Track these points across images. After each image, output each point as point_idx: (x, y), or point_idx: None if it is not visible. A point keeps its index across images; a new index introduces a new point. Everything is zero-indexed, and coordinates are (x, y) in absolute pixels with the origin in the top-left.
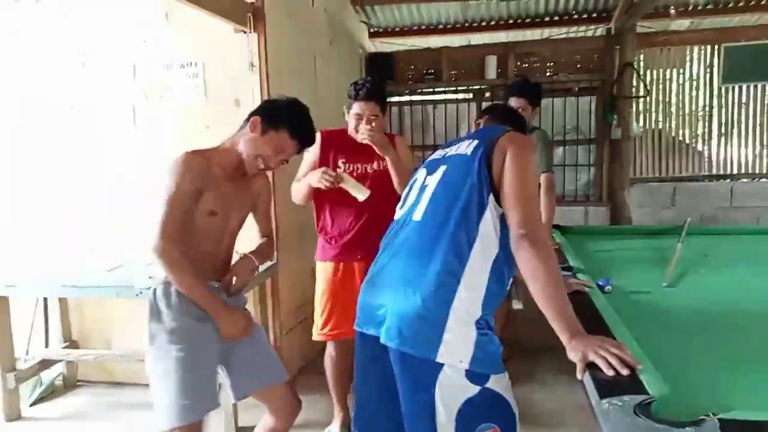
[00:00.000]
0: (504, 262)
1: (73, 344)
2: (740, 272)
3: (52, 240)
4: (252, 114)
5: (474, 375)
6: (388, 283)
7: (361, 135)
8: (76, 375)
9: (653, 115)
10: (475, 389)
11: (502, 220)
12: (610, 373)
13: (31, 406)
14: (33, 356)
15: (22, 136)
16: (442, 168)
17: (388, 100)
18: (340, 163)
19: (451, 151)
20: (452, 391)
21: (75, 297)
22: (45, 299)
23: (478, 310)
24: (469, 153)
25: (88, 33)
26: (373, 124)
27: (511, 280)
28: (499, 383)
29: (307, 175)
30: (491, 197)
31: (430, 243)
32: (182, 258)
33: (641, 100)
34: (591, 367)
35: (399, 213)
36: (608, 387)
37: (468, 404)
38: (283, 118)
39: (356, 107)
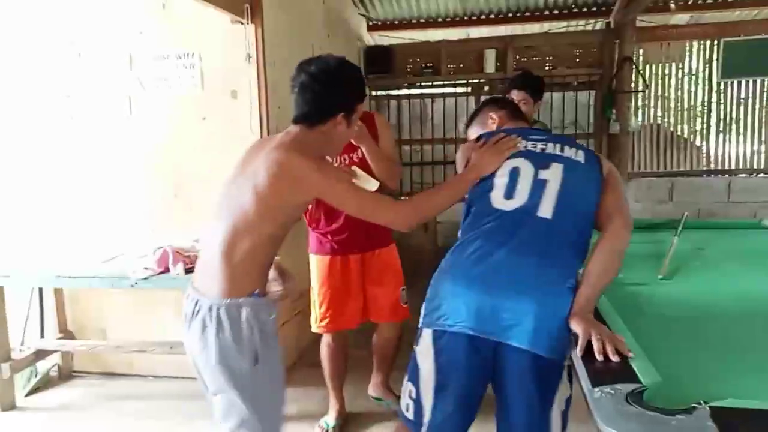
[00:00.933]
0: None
1: (68, 335)
2: (735, 266)
3: (47, 230)
4: (322, 114)
5: (567, 369)
6: (517, 287)
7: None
8: (72, 365)
9: (652, 109)
10: (570, 388)
11: None
12: (599, 357)
13: (26, 396)
14: (28, 346)
15: (16, 125)
16: (559, 167)
17: (380, 93)
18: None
19: (556, 150)
20: (562, 389)
21: (70, 288)
22: (40, 290)
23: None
24: (582, 161)
25: (84, 23)
26: None
27: None
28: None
29: None
30: None
31: (566, 248)
32: (416, 204)
33: (640, 94)
34: (585, 354)
35: (508, 203)
36: (601, 375)
37: (568, 402)
38: (357, 96)
39: None
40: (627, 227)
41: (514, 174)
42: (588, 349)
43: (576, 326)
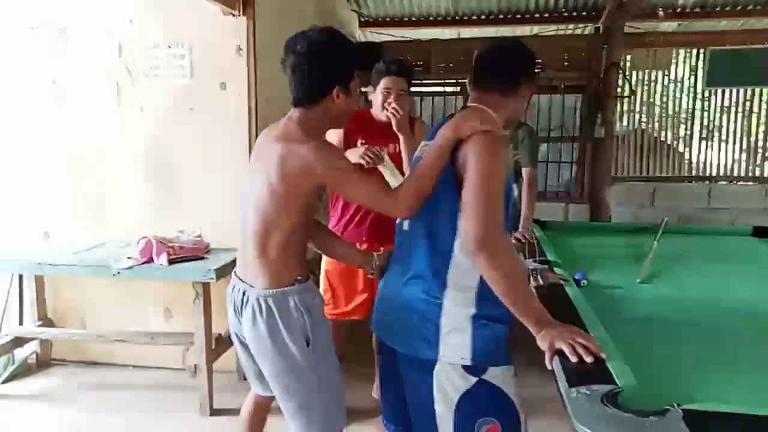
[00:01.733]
0: None
1: (47, 323)
2: (713, 271)
3: (30, 217)
4: (318, 91)
5: (471, 368)
6: (388, 294)
7: (389, 112)
8: (50, 354)
9: (637, 115)
10: (472, 381)
11: None
12: (573, 359)
13: (2, 383)
14: (6, 333)
15: (4, 108)
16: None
17: (370, 90)
18: (358, 143)
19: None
20: (451, 382)
21: (52, 275)
22: (20, 276)
23: (472, 308)
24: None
25: (73, 9)
26: (402, 100)
27: None
28: (497, 376)
29: (346, 152)
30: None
31: (416, 249)
32: (412, 187)
33: (626, 100)
34: (560, 355)
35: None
36: (577, 376)
37: (465, 398)
38: (352, 62)
39: (386, 81)
40: (480, 250)
41: None
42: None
43: (541, 346)
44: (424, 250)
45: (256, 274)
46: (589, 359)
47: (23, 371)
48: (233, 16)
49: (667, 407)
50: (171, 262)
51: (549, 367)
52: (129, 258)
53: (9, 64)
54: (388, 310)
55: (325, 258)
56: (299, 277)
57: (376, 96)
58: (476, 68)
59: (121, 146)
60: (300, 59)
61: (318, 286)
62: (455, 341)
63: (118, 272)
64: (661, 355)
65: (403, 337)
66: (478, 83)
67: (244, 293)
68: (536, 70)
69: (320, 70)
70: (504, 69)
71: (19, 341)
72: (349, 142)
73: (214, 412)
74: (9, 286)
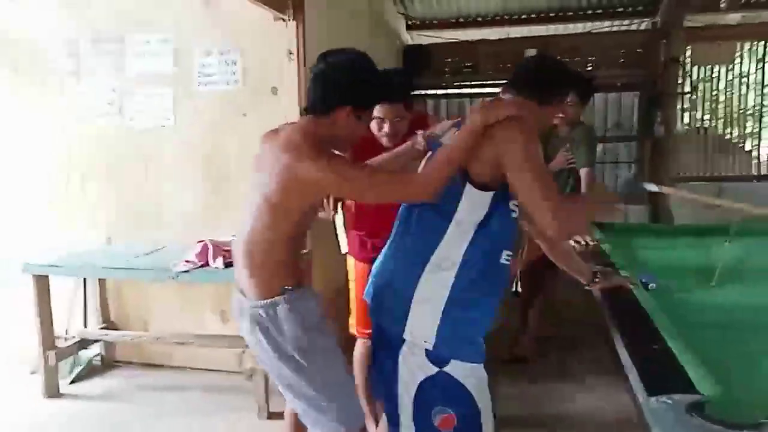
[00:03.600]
0: (489, 243)
1: (111, 325)
2: None
3: (93, 222)
4: (331, 103)
5: (433, 355)
6: (376, 268)
7: (384, 141)
8: (114, 355)
9: (699, 112)
10: (432, 370)
11: (493, 206)
12: None
13: (69, 384)
14: (72, 335)
15: (65, 116)
16: None
17: (424, 92)
18: None
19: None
20: (413, 367)
21: (114, 279)
22: (84, 281)
23: (447, 290)
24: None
25: (129, 19)
26: (397, 126)
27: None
28: (460, 370)
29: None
30: (468, 187)
31: (407, 228)
32: (434, 169)
33: (686, 96)
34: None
35: None
36: (657, 384)
37: (426, 383)
38: (372, 91)
39: (378, 110)
40: (560, 235)
41: None
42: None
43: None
44: (420, 226)
45: (248, 284)
46: None
47: (89, 372)
48: (283, 21)
49: (763, 420)
50: (227, 265)
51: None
52: (187, 262)
53: (71, 74)
54: (372, 284)
55: (352, 276)
56: (288, 287)
57: (372, 122)
58: (515, 72)
59: (177, 152)
60: (324, 67)
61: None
62: (422, 320)
63: (177, 275)
64: (743, 362)
65: (376, 309)
66: (513, 85)
67: (240, 304)
68: (569, 92)
69: (338, 84)
70: (538, 77)
71: (83, 343)
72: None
73: (271, 415)
74: (75, 290)
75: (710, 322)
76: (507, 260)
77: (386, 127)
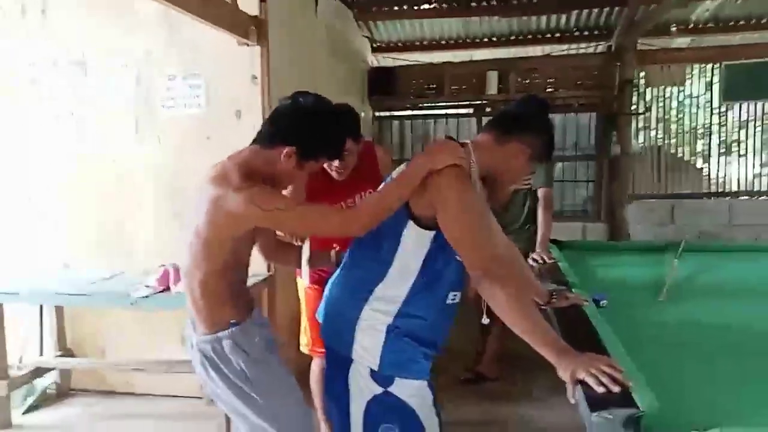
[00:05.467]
0: (433, 282)
1: (67, 352)
2: (737, 289)
3: (48, 247)
4: (279, 138)
5: (378, 376)
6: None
7: (335, 175)
8: (70, 383)
9: (653, 132)
10: (377, 390)
11: (435, 246)
12: (600, 390)
13: (23, 414)
14: (26, 364)
15: (21, 141)
16: None
17: (384, 114)
18: None
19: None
20: (361, 385)
21: (71, 305)
22: (41, 307)
23: (389, 318)
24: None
25: (92, 42)
26: (347, 159)
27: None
28: (403, 389)
29: None
30: (409, 224)
31: (358, 253)
32: (366, 206)
33: (641, 117)
34: (583, 385)
35: None
36: (598, 400)
37: (373, 402)
38: (323, 148)
39: None
40: (481, 279)
41: None
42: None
43: (562, 377)
44: (367, 258)
45: (195, 318)
46: (615, 389)
47: (43, 401)
48: (247, 45)
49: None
50: None
51: (571, 401)
52: (147, 287)
53: (29, 97)
54: (324, 307)
55: (303, 299)
56: (232, 320)
57: None
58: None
59: (139, 176)
60: (289, 104)
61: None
62: (366, 344)
63: (135, 301)
64: (684, 377)
65: (327, 331)
66: (488, 123)
67: (190, 338)
68: (538, 142)
69: (294, 123)
70: (505, 116)
71: (39, 371)
72: (312, 200)
73: None
74: (29, 318)
75: (654, 337)
76: (453, 300)
77: (336, 162)
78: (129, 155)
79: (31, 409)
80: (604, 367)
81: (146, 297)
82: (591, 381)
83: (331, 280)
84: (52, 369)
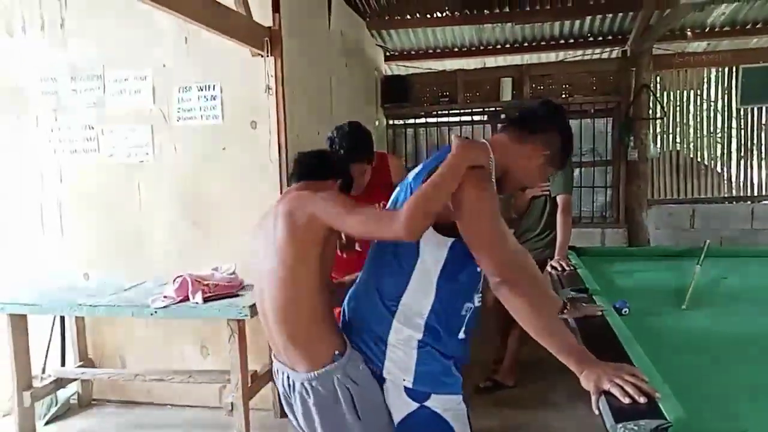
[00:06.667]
0: (454, 291)
1: (88, 363)
2: (761, 295)
3: (71, 259)
4: (325, 172)
5: (413, 392)
6: (351, 306)
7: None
8: (91, 394)
9: (670, 136)
10: (413, 406)
11: (455, 251)
12: (626, 401)
13: (45, 424)
14: (49, 374)
15: (43, 151)
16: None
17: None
18: None
19: (410, 176)
20: (395, 402)
21: (91, 316)
22: (62, 318)
23: (419, 333)
24: (410, 180)
25: (109, 56)
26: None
27: (476, 306)
28: (440, 403)
29: None
30: (428, 231)
31: (380, 267)
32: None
33: (658, 121)
34: (607, 395)
35: None
36: (624, 411)
37: (408, 419)
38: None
39: None
40: (500, 286)
41: None
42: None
43: (586, 387)
44: (387, 269)
45: (293, 357)
46: (642, 399)
47: (65, 411)
48: (261, 56)
49: None
50: (206, 299)
51: (596, 411)
52: (165, 297)
53: (49, 108)
54: (350, 319)
55: None
56: (337, 352)
57: None
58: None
59: (157, 187)
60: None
61: None
62: (399, 359)
63: (155, 312)
64: (711, 386)
65: (357, 346)
66: (504, 123)
67: (288, 377)
68: (556, 143)
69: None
70: (523, 116)
71: (60, 382)
72: None
73: None
74: (51, 328)
75: (678, 345)
76: (474, 307)
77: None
78: (146, 165)
79: (53, 419)
80: (629, 377)
81: (166, 307)
82: (616, 391)
83: (349, 295)
84: (74, 380)
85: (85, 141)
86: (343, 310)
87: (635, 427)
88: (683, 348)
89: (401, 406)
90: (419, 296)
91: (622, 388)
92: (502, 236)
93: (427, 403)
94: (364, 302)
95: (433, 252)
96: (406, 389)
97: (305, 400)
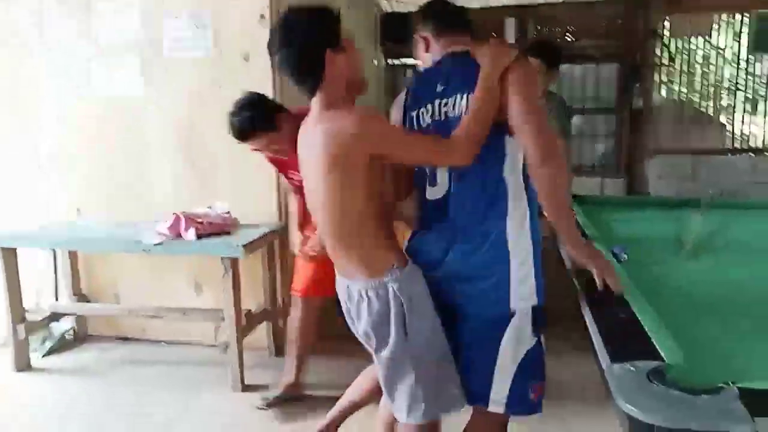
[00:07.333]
0: (532, 194)
1: (82, 298)
2: (761, 245)
3: (63, 194)
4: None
5: (535, 321)
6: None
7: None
8: (87, 329)
9: (677, 85)
10: (533, 341)
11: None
12: (598, 282)
13: (42, 357)
14: (42, 308)
15: (33, 84)
16: None
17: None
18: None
19: (447, 111)
20: (517, 340)
21: (85, 252)
22: (54, 253)
23: (530, 237)
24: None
25: None
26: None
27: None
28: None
29: None
30: (506, 138)
31: (480, 209)
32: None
33: (664, 69)
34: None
35: (433, 192)
36: (620, 352)
37: (527, 358)
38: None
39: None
40: (545, 167)
41: None
42: (603, 323)
43: (577, 254)
44: (481, 195)
45: (351, 267)
46: (613, 288)
47: (62, 346)
48: None
49: (721, 385)
50: (199, 237)
51: (598, 283)
52: (159, 233)
53: (34, 40)
54: (452, 274)
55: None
56: (394, 265)
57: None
58: (441, 20)
59: (149, 122)
60: (282, 56)
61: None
62: (525, 280)
63: (149, 248)
64: (709, 331)
65: (471, 298)
66: (448, 30)
67: (347, 287)
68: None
69: (303, 51)
70: (461, 16)
71: (55, 317)
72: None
73: (246, 388)
74: (45, 262)
75: (678, 291)
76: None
77: (267, 153)
78: (137, 99)
79: (50, 352)
80: (609, 277)
81: (159, 244)
82: (596, 273)
83: (434, 253)
84: (68, 314)
85: (71, 74)
86: (449, 260)
87: (632, 368)
88: (682, 295)
89: (523, 343)
90: (518, 192)
91: (601, 278)
92: (547, 122)
93: (541, 339)
94: (475, 237)
95: (513, 153)
96: (534, 311)
97: (360, 309)
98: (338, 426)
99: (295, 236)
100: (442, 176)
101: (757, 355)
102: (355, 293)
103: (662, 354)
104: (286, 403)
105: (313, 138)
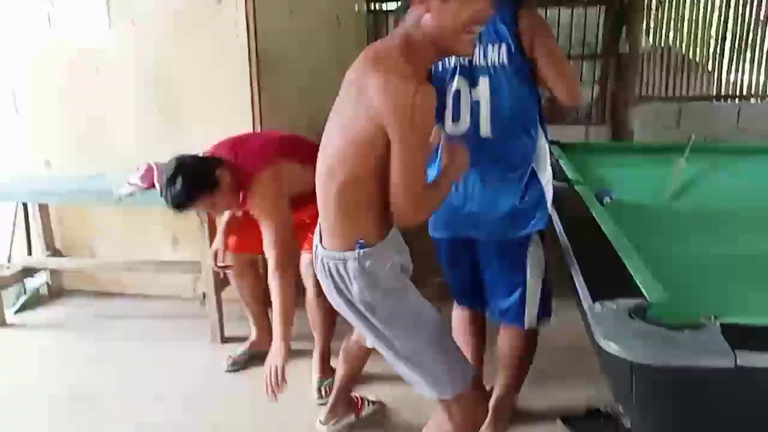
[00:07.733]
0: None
1: (56, 253)
2: (743, 187)
3: (30, 146)
4: None
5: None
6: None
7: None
8: (62, 284)
9: (663, 30)
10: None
11: None
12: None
13: (15, 313)
14: (14, 263)
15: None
16: (485, 81)
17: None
18: None
19: (482, 56)
20: (539, 254)
21: (56, 205)
22: (25, 206)
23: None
24: (506, 61)
25: None
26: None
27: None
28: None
29: None
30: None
31: (510, 152)
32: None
33: (652, 14)
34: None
35: (456, 128)
36: (602, 290)
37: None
38: None
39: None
40: (571, 99)
41: (456, 97)
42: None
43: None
44: (510, 125)
45: (324, 231)
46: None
47: (35, 301)
48: None
49: (703, 321)
50: None
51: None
52: (131, 184)
53: None
54: (484, 204)
55: None
56: (361, 240)
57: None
58: None
59: (116, 68)
60: None
61: None
62: (548, 186)
63: (120, 199)
64: (692, 270)
65: (499, 226)
66: None
67: (316, 250)
68: None
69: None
70: None
71: (28, 271)
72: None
73: (226, 340)
74: (15, 216)
75: (660, 232)
76: None
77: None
78: (103, 43)
79: (23, 308)
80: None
81: (131, 195)
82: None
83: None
84: (41, 269)
85: (38, 18)
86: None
87: (613, 306)
88: (665, 234)
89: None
90: (533, 111)
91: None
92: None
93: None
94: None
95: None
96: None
97: (324, 277)
98: (349, 393)
99: (217, 245)
100: (466, 113)
101: (738, 293)
102: (319, 257)
103: (644, 292)
104: (253, 360)
105: (387, 80)
